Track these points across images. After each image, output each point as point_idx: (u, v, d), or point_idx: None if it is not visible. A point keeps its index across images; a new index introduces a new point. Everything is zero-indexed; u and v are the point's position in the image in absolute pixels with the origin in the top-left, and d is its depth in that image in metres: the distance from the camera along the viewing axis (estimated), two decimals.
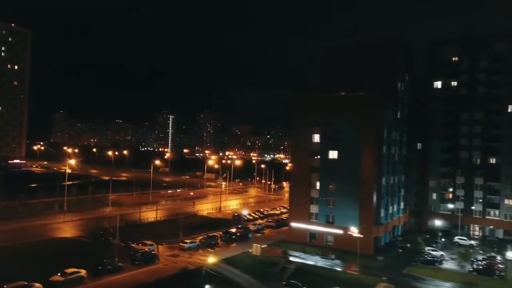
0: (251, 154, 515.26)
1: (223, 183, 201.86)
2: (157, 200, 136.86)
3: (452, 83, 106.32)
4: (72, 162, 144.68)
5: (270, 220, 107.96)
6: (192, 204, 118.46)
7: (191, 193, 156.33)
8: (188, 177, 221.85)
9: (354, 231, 78.92)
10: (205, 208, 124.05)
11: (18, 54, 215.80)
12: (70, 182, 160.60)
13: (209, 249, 77.57)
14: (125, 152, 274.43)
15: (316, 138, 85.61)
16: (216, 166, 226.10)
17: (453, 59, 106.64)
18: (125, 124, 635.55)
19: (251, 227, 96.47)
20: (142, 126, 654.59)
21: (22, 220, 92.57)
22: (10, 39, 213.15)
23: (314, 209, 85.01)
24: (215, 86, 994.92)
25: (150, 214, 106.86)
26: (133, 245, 74.18)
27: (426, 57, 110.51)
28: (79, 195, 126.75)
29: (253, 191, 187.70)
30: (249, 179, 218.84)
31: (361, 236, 78.19)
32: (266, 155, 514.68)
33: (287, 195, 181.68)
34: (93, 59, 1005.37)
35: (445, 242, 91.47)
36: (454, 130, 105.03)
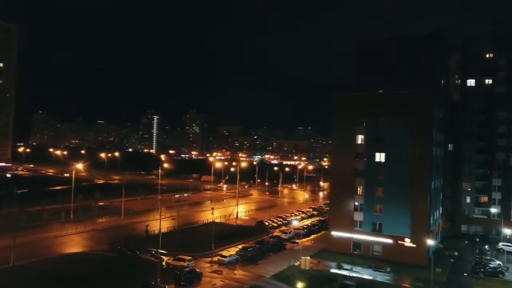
0: (240, 154, 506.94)
1: (225, 186, 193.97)
2: (166, 206, 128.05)
3: (487, 81, 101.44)
4: (80, 166, 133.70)
5: (297, 227, 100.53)
6: (211, 211, 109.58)
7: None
8: (191, 179, 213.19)
9: (407, 240, 72.55)
10: (217, 214, 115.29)
11: (3, 50, 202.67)
12: (60, 187, 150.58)
13: (251, 263, 69.63)
14: (116, 154, 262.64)
15: (360, 139, 78.90)
16: (218, 167, 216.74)
17: (488, 55, 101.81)
18: (108, 125, 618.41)
19: (283, 235, 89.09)
20: (125, 126, 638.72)
21: (29, 232, 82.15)
22: None
23: (358, 216, 78.16)
24: (201, 87, 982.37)
25: (165, 222, 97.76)
26: (168, 260, 65.66)
27: (458, 53, 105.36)
28: (83, 202, 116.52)
29: (257, 194, 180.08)
30: (251, 181, 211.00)
31: (414, 245, 72.03)
32: (254, 156, 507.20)
33: (286, 198, 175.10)
34: (73, 57, 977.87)
35: (492, 250, 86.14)
36: (490, 130, 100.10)
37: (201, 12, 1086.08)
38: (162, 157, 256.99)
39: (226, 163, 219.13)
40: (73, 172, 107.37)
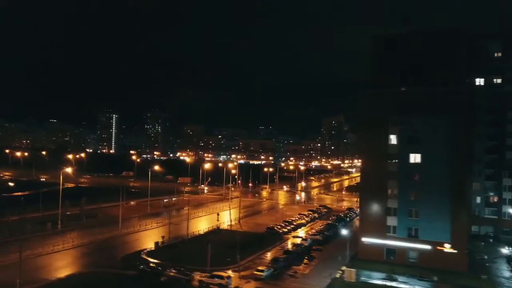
0: (205, 154, 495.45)
1: (206, 188, 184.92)
2: (155, 211, 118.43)
3: (496, 80, 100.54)
4: (69, 170, 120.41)
5: (311, 233, 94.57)
6: (217, 217, 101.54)
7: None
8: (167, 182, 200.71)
9: (446, 245, 68.76)
10: (213, 219, 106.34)
11: None
12: (24, 193, 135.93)
13: (290, 277, 62.93)
14: (82, 155, 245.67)
15: (393, 139, 74.28)
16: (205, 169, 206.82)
17: (496, 54, 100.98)
18: (62, 124, 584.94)
19: (304, 243, 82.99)
20: (79, 126, 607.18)
21: (17, 248, 70.05)
22: None
23: (391, 221, 73.44)
24: (159, 87, 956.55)
25: (161, 232, 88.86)
26: (201, 278, 57.59)
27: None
28: (66, 209, 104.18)
29: (242, 196, 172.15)
30: (233, 183, 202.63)
31: (456, 251, 68.36)
32: (219, 156, 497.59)
33: (274, 200, 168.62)
34: (20, 52, 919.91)
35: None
36: (499, 130, 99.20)
37: (166, 9, 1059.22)
38: (135, 158, 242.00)
39: (208, 164, 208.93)
40: (61, 176, 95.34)
